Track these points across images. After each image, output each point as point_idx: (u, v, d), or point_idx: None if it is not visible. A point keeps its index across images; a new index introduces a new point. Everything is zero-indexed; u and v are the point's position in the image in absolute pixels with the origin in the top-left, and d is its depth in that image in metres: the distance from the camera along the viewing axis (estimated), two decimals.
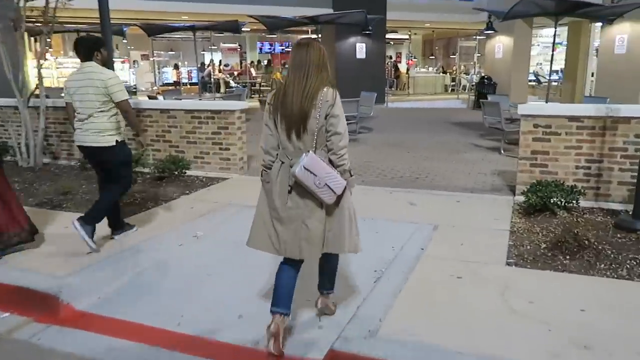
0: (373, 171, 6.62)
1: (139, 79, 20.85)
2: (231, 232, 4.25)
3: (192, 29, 10.28)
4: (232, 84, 18.67)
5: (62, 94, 4.01)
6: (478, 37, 21.13)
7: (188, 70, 22.31)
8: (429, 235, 4.12)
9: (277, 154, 2.53)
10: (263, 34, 24.89)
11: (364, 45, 16.02)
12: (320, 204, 2.48)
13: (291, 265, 2.62)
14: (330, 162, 2.45)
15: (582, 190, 4.53)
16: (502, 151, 7.54)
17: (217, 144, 6.49)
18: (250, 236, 2.66)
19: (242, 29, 10.93)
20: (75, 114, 3.86)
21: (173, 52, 23.45)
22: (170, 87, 19.66)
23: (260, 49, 26.06)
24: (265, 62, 23.34)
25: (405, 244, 3.94)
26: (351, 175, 2.53)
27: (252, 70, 20.73)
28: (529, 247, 3.78)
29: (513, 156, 7.35)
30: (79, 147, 3.94)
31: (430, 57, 27.75)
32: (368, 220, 4.30)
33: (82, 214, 3.86)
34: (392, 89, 24.72)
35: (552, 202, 4.41)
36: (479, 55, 21.85)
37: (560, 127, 4.95)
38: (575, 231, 3.70)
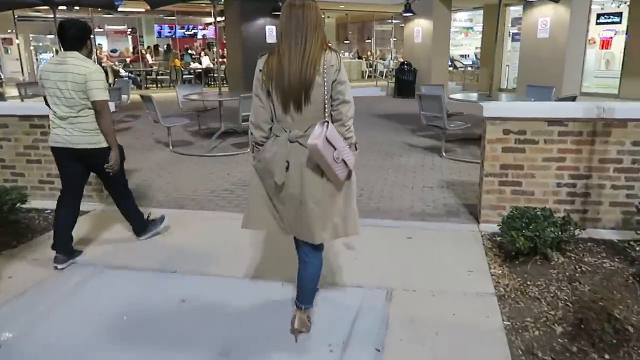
0: None
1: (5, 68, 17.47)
2: (72, 330, 2.54)
3: (50, 3, 7.99)
4: (123, 72, 16.13)
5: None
6: (394, 21, 20.24)
7: None
8: (382, 314, 2.67)
9: (270, 128, 2.30)
10: (161, 15, 22.26)
11: (274, 28, 14.31)
12: (321, 183, 2.23)
13: (308, 255, 2.43)
14: None
15: (578, 224, 3.31)
16: (443, 153, 6.34)
17: None
18: (247, 217, 2.41)
19: (120, 6, 8.81)
20: (52, 110, 3.23)
21: (53, 36, 20.13)
22: None
23: (159, 32, 23.34)
24: (165, 47, 20.78)
25: (349, 340, 2.46)
26: (356, 149, 2.33)
27: (149, 57, 18.19)
28: (537, 333, 2.45)
29: (456, 159, 6.17)
30: (63, 149, 3.26)
31: (345, 41, 26.60)
32: (273, 285, 2.82)
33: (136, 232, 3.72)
34: None
35: (543, 241, 3.13)
36: (395, 39, 21.03)
37: (538, 132, 3.71)
38: (598, 301, 2.44)
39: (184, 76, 17.12)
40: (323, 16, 22.84)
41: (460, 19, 22.59)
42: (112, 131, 3.29)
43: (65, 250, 3.34)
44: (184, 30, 23.74)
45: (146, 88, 16.54)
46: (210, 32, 24.47)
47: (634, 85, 13.47)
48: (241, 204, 4.61)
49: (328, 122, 2.15)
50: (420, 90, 7.31)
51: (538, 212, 3.29)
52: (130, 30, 22.19)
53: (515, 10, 16.18)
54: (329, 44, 2.26)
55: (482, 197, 3.93)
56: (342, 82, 2.20)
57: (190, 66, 17.82)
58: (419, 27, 14.72)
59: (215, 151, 6.90)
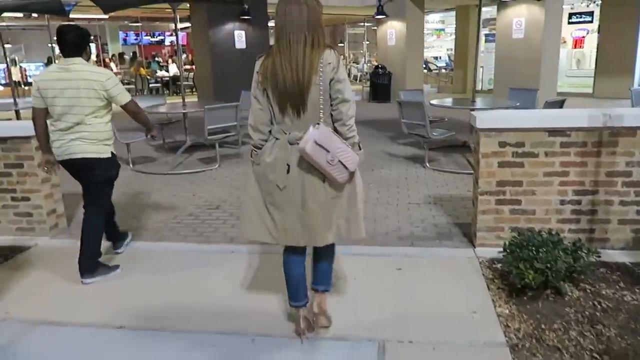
0: None
1: None
2: None
3: None
4: None
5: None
6: (366, 24, 19.93)
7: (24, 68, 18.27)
8: None
9: (270, 131, 2.24)
10: (126, 22, 21.46)
11: (243, 33, 13.76)
12: (322, 186, 2.20)
13: (297, 254, 2.41)
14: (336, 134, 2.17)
15: (592, 249, 2.89)
16: (427, 163, 5.92)
17: (8, 191, 3.99)
18: (242, 226, 2.45)
19: (71, 11, 8.12)
20: (53, 122, 3.10)
21: (10, 45, 19.11)
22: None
23: (125, 40, 22.50)
24: (131, 55, 19.99)
25: None
26: (360, 149, 2.26)
27: (113, 66, 17.39)
28: None
29: (441, 170, 5.76)
30: (63, 161, 3.16)
31: None
32: (240, 340, 2.29)
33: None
34: None
35: (556, 273, 2.71)
36: (368, 42, 20.71)
37: (538, 144, 3.31)
38: (630, 351, 2.01)
39: (151, 85, 16.40)
40: None
41: (432, 20, 22.44)
42: (148, 119, 3.51)
43: (86, 267, 3.18)
44: (151, 37, 22.96)
45: None
46: (179, 38, 23.73)
47: (608, 84, 13.43)
48: (207, 231, 4.08)
49: (319, 124, 2.11)
50: (399, 96, 6.89)
51: (545, 236, 2.86)
52: (92, 38, 21.33)
53: (486, 12, 16.04)
54: (330, 44, 2.18)
55: (477, 217, 3.49)
56: (340, 80, 2.14)
57: (157, 74, 17.09)
58: (392, 30, 14.40)
59: (180, 168, 6.33)
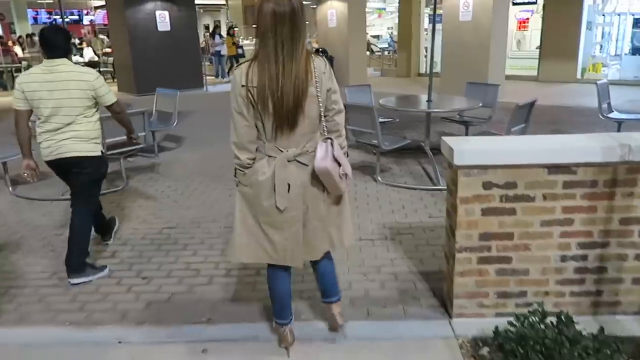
0: (177, 257, 3.50)
1: None
2: None
3: None
4: None
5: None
6: (305, 2, 18.73)
7: None
8: None
9: (256, 148, 2.08)
10: None
11: (166, 13, 12.26)
12: (322, 200, 2.14)
13: (283, 268, 2.30)
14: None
15: (616, 346, 2.07)
16: (379, 177, 5.01)
17: None
18: (233, 248, 2.22)
19: None
20: (41, 123, 3.08)
21: None
22: None
23: (35, 19, 20.05)
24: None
25: None
26: (347, 156, 2.19)
27: (18, 49, 15.21)
28: None
29: (395, 185, 4.87)
30: (54, 162, 3.15)
31: (254, 26, 24.65)
32: None
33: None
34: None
35: None
36: (308, 23, 19.52)
37: (535, 184, 2.44)
38: None
39: None
40: None
41: None
42: (130, 122, 3.60)
43: (74, 265, 3.17)
44: (66, 17, 20.59)
45: (13, 88, 13.72)
46: (99, 18, 21.49)
47: (553, 68, 13.12)
48: (90, 302, 2.96)
49: (332, 140, 2.06)
50: (344, 94, 5.91)
51: (551, 323, 2.02)
52: None
53: None
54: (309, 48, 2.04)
55: (454, 281, 2.61)
56: (335, 91, 2.09)
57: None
58: (333, 10, 13.36)
59: None
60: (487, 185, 2.45)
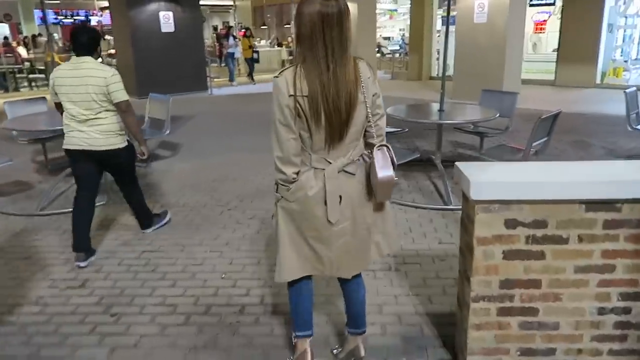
0: (153, 288, 3.10)
1: None
2: None
3: None
4: None
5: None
6: None
7: None
8: None
9: (301, 161, 1.94)
10: None
11: (170, 14, 11.93)
12: (369, 210, 2.06)
13: (309, 279, 2.22)
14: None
15: None
16: None
17: None
18: (281, 269, 2.07)
19: None
20: (68, 115, 3.38)
21: None
22: None
23: (42, 19, 19.86)
24: (47, 37, 17.51)
25: None
26: None
27: (21, 50, 14.99)
28: None
29: (402, 203, 4.44)
30: (78, 151, 3.41)
31: (262, 27, 24.33)
32: None
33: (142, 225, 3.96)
34: (222, 65, 20.96)
35: None
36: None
37: (569, 224, 2.01)
38: None
39: None
40: None
41: (384, 0, 21.13)
42: (138, 127, 3.65)
43: (86, 248, 3.50)
44: (72, 17, 20.43)
45: (15, 90, 13.49)
46: (106, 19, 21.28)
47: (571, 72, 12.54)
48: (54, 355, 2.56)
49: (388, 146, 1.99)
50: (379, 106, 5.49)
51: None
52: (4, 17, 18.67)
53: None
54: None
55: (468, 334, 2.18)
56: (379, 95, 2.01)
57: None
58: None
59: (57, 204, 4.70)
60: (510, 224, 2.01)
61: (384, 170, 1.94)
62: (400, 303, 2.89)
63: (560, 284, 2.08)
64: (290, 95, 1.83)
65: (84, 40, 3.35)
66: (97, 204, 4.57)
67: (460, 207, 2.25)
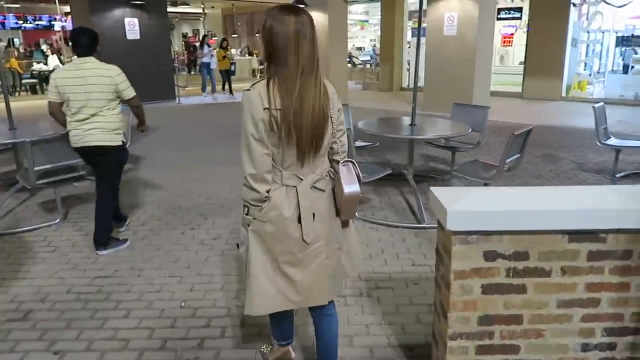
0: (104, 320, 2.83)
1: None
2: None
3: None
4: None
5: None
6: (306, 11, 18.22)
7: None
8: None
9: (271, 178, 1.86)
10: (1, 2, 18.15)
11: (136, 20, 11.59)
12: (337, 226, 2.01)
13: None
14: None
15: None
16: (355, 213, 4.41)
17: None
18: (252, 303, 1.93)
19: None
20: (71, 114, 3.51)
21: None
22: None
23: (2, 23, 19.12)
24: (6, 42, 16.84)
25: None
26: None
27: None
28: None
29: (373, 221, 4.28)
30: (80, 149, 3.59)
31: (233, 35, 24.05)
32: None
33: (96, 243, 3.71)
34: (192, 73, 20.60)
35: None
36: None
37: (551, 255, 1.87)
38: None
39: (24, 80, 13.61)
40: (202, 6, 20.19)
41: (355, 11, 21.17)
42: (144, 114, 3.94)
43: (107, 238, 3.74)
44: (34, 22, 19.72)
45: None
46: (70, 24, 20.62)
47: (537, 85, 12.76)
48: None
49: (354, 162, 1.96)
50: (341, 122, 5.33)
51: None
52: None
53: (412, 3, 14.94)
54: None
55: None
56: (341, 110, 1.98)
57: (33, 67, 14.28)
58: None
59: (5, 223, 4.35)
60: (490, 256, 1.86)
61: (349, 186, 1.90)
62: (372, 333, 2.71)
63: (543, 320, 1.94)
64: (265, 109, 1.77)
65: (84, 42, 3.47)
66: (49, 223, 4.31)
67: (434, 225, 2.10)
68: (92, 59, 3.50)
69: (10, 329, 2.80)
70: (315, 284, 1.96)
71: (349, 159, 1.95)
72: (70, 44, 3.55)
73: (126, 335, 2.73)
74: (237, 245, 2.04)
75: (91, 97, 3.44)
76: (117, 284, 3.30)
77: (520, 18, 14.06)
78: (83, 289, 3.24)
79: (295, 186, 1.87)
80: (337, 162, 1.96)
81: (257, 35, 21.17)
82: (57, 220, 4.36)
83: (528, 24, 13.03)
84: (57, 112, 3.58)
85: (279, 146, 1.82)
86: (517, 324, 1.95)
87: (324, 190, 1.94)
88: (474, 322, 1.94)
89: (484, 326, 1.95)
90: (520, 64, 13.77)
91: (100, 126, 3.50)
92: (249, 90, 1.81)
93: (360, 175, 1.96)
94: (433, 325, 2.23)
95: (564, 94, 12.63)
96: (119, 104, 3.61)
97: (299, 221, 1.87)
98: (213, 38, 21.92)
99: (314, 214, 1.90)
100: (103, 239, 3.70)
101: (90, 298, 3.12)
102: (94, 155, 3.59)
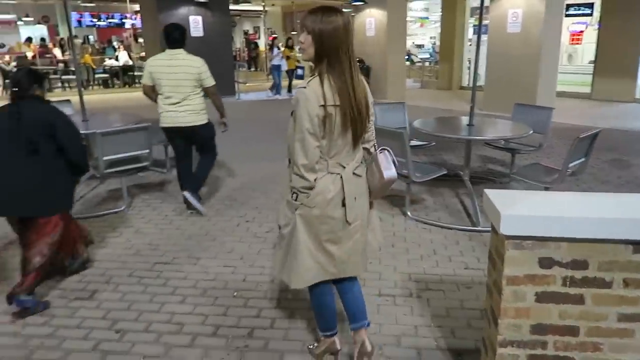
0: (162, 304, 2.99)
1: None
2: None
3: None
4: None
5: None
6: (345, 10, 18.22)
7: None
8: None
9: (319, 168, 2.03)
10: (78, 1, 19.34)
11: (199, 18, 12.00)
12: (368, 208, 2.23)
13: (330, 285, 2.31)
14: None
15: None
16: (409, 212, 4.37)
17: None
18: (298, 277, 2.13)
19: None
20: (163, 98, 4.09)
21: None
22: None
23: (79, 21, 20.35)
24: (83, 39, 17.92)
25: None
26: None
27: (57, 52, 15.32)
28: None
29: (426, 221, 4.23)
30: (172, 128, 4.16)
31: (292, 32, 24.32)
32: None
33: (190, 188, 4.34)
34: (252, 69, 21.08)
35: None
36: None
37: (613, 266, 1.79)
38: None
39: (97, 75, 14.45)
40: (264, 4, 20.54)
41: (415, 8, 20.84)
42: (222, 104, 4.43)
43: (195, 188, 4.42)
44: (109, 19, 20.85)
45: (48, 91, 13.75)
46: (139, 22, 21.64)
47: (609, 85, 12.04)
48: None
49: (389, 151, 2.14)
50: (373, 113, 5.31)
51: None
52: (42, 18, 19.19)
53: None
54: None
55: None
56: (372, 100, 2.14)
57: (106, 63, 15.12)
58: (372, 19, 12.76)
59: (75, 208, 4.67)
60: (545, 263, 1.80)
61: (388, 171, 2.09)
62: (420, 335, 2.69)
63: (601, 333, 1.86)
64: (321, 106, 1.91)
65: (177, 36, 4.04)
66: (116, 210, 4.58)
67: (490, 228, 2.05)
68: (182, 51, 4.05)
69: (77, 307, 3.01)
70: (350, 257, 2.18)
71: (385, 147, 2.13)
72: (164, 37, 4.05)
73: (181, 319, 2.86)
74: (279, 226, 2.19)
75: (180, 83, 4.02)
76: (175, 270, 3.46)
77: (591, 14, 13.28)
78: (144, 273, 3.42)
79: (339, 173, 2.05)
80: (367, 149, 2.16)
81: (293, 33, 20.66)
82: (123, 208, 4.62)
83: (599, 20, 12.33)
84: (149, 92, 4.20)
85: (327, 138, 1.99)
86: (572, 336, 1.88)
87: (361, 176, 2.14)
88: (526, 330, 1.89)
89: (536, 335, 1.89)
90: (589, 63, 13.04)
91: (191, 109, 4.11)
92: (304, 87, 1.93)
93: (396, 161, 2.14)
94: (483, 331, 2.18)
95: (637, 96, 11.84)
96: (201, 89, 4.17)
97: (342, 204, 2.06)
98: (273, 35, 22.29)
99: (355, 198, 2.09)
100: (196, 187, 4.39)
101: (150, 282, 3.29)
102: (185, 134, 4.18)
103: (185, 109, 4.09)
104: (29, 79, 2.97)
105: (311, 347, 2.54)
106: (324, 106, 1.91)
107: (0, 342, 2.66)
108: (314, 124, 1.92)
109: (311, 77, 1.97)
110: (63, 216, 3.06)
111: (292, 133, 2.00)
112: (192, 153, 4.40)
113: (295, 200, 2.04)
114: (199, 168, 4.43)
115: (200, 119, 4.19)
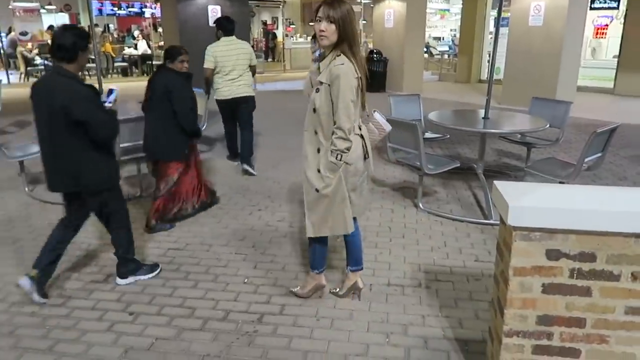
0: (174, 289, 3.05)
1: None
2: None
3: None
4: (39, 60, 13.49)
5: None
6: (363, 1, 18.09)
7: None
8: None
9: None
10: None
11: (218, 8, 12.00)
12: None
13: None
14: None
15: None
16: (420, 204, 4.37)
17: None
18: (347, 223, 2.60)
19: None
20: (223, 75, 5.23)
21: None
22: None
23: (100, 10, 20.56)
24: (103, 27, 18.10)
25: None
26: None
27: None
28: None
29: (438, 213, 4.21)
30: (228, 100, 5.32)
31: (311, 23, 24.24)
32: None
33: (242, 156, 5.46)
34: (269, 60, 21.09)
35: None
36: (364, 22, 18.90)
37: (621, 258, 1.78)
38: None
39: (117, 64, 14.62)
40: None
41: (436, 0, 20.59)
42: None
43: (249, 158, 5.48)
44: (128, 8, 21.02)
45: None
46: (158, 11, 21.77)
47: (632, 80, 11.77)
48: (70, 351, 2.55)
49: (376, 110, 2.73)
50: (388, 105, 5.30)
51: None
52: (64, 7, 19.45)
53: None
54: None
55: None
56: None
57: (125, 52, 15.27)
58: (391, 10, 12.64)
59: None
60: (552, 255, 1.80)
61: (387, 126, 2.72)
62: (428, 324, 2.70)
63: (608, 325, 1.85)
64: (356, 77, 2.40)
65: (230, 27, 5.25)
66: (130, 196, 4.66)
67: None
68: (234, 38, 5.25)
69: (92, 289, 3.08)
70: (362, 202, 2.68)
71: (375, 110, 2.70)
72: (216, 26, 5.27)
73: (193, 304, 2.92)
74: (316, 189, 2.51)
75: (238, 63, 5.18)
76: (188, 256, 3.52)
77: (617, 8, 12.99)
78: (157, 259, 3.49)
79: (358, 133, 2.51)
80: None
81: (311, 24, 20.66)
82: (138, 194, 4.70)
83: (625, 14, 12.04)
84: (210, 75, 5.23)
85: (357, 105, 2.46)
86: (579, 327, 1.88)
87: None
88: (532, 321, 1.89)
89: (542, 326, 1.89)
90: (614, 57, 12.76)
91: (245, 82, 5.27)
92: (342, 64, 2.35)
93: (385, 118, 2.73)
94: (490, 321, 2.19)
95: None
96: (251, 67, 5.35)
97: (365, 158, 2.56)
98: (291, 26, 22.26)
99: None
100: (249, 158, 5.39)
101: (163, 267, 3.36)
102: (239, 103, 5.30)
103: (241, 83, 5.22)
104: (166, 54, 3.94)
105: (295, 290, 2.93)
106: (358, 78, 2.40)
107: (19, 322, 2.75)
108: (354, 93, 2.40)
109: (337, 54, 2.39)
110: (179, 165, 3.96)
111: (324, 103, 2.40)
112: (235, 123, 5.57)
113: (340, 160, 2.43)
114: (245, 142, 5.37)
115: (251, 91, 5.36)
